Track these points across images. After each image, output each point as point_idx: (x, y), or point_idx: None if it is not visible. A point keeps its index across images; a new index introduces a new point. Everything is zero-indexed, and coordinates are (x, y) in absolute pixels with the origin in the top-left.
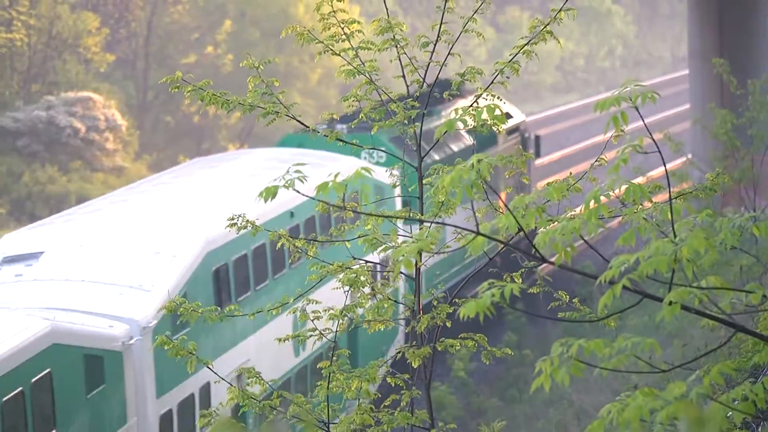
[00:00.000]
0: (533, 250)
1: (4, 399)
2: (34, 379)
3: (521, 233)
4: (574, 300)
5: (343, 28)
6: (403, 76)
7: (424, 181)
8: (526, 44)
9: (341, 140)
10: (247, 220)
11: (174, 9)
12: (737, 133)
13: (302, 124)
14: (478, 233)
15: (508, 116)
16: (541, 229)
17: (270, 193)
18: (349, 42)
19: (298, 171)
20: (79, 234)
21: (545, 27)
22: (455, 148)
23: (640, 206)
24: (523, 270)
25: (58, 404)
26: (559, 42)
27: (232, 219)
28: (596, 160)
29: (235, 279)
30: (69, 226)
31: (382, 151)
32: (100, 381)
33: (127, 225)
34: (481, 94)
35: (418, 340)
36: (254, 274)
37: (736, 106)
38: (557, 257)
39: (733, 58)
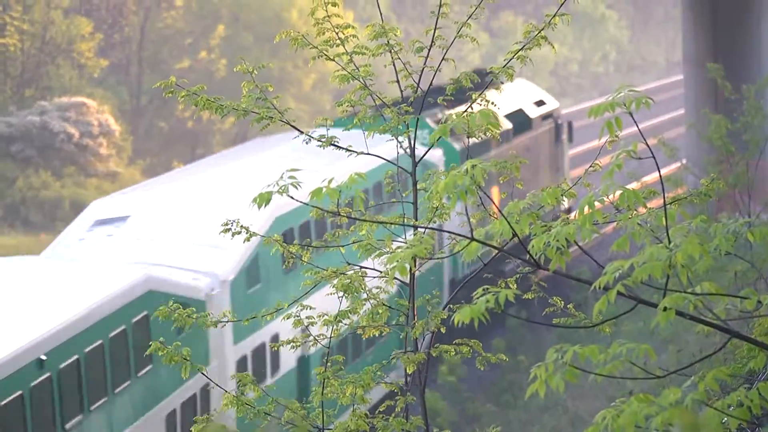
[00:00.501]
0: (528, 255)
1: (110, 335)
2: (134, 320)
3: (515, 239)
4: (568, 306)
5: (337, 33)
6: (398, 81)
7: (418, 186)
8: (520, 49)
9: (336, 146)
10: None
11: (167, 14)
12: (732, 138)
13: (296, 129)
14: (472, 239)
15: (542, 103)
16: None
17: (264, 200)
18: (344, 47)
19: (292, 177)
20: (161, 200)
21: (539, 32)
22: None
23: (635, 212)
24: (517, 276)
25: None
26: (553, 47)
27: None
28: (590, 166)
29: (300, 239)
30: (151, 194)
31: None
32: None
33: (203, 193)
34: (475, 99)
35: (413, 345)
36: (316, 236)
37: (731, 111)
38: (552, 263)
39: (727, 63)
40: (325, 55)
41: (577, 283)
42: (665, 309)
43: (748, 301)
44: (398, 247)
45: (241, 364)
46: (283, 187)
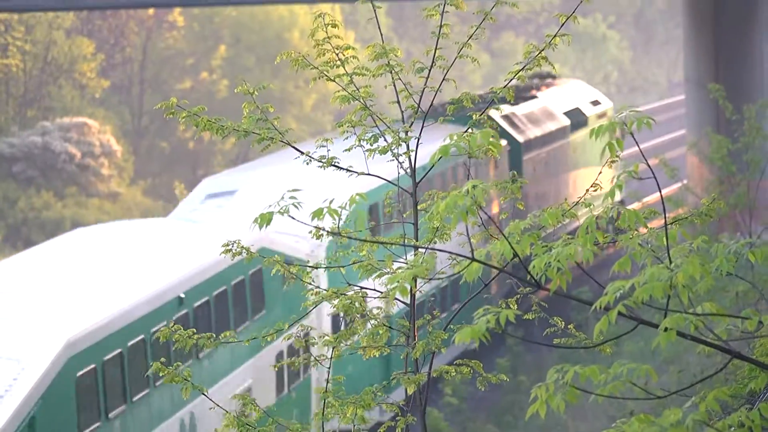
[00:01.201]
0: (528, 276)
1: (233, 283)
2: (250, 271)
3: (516, 259)
4: (569, 326)
5: (337, 54)
6: (398, 102)
7: (419, 207)
8: (520, 70)
9: (337, 166)
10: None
11: (169, 34)
12: (733, 159)
13: (297, 149)
14: (473, 259)
15: (597, 103)
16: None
17: (265, 220)
18: (344, 68)
19: (293, 197)
20: (268, 176)
21: (540, 52)
22: (552, 127)
23: (636, 232)
24: (518, 296)
25: (266, 291)
26: (554, 67)
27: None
28: (592, 186)
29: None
30: (258, 172)
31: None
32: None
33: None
34: (475, 121)
35: (413, 365)
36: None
37: (732, 131)
38: (552, 283)
39: (728, 83)
40: (326, 75)
41: (578, 304)
42: (666, 329)
43: (749, 321)
44: (399, 268)
45: (336, 320)
46: (284, 208)
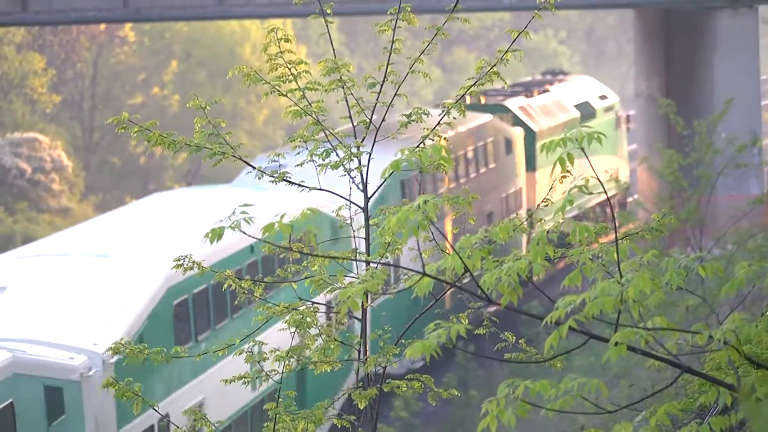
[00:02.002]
0: (479, 290)
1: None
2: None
3: (467, 274)
4: (520, 341)
5: (289, 69)
6: (350, 117)
7: (370, 222)
8: (472, 85)
9: (289, 181)
10: (194, 262)
11: (120, 50)
12: (684, 174)
13: (248, 164)
14: (424, 274)
15: (604, 97)
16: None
17: (216, 235)
18: (296, 82)
19: (244, 212)
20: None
21: (492, 68)
22: (563, 117)
23: (587, 246)
24: (469, 311)
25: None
26: (505, 83)
27: (179, 260)
28: (543, 201)
29: (196, 311)
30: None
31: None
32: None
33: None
34: (427, 135)
35: (365, 381)
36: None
37: (683, 146)
38: (503, 298)
39: (679, 99)
40: (278, 90)
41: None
42: (617, 344)
43: (699, 336)
44: (350, 283)
45: None
46: (235, 223)
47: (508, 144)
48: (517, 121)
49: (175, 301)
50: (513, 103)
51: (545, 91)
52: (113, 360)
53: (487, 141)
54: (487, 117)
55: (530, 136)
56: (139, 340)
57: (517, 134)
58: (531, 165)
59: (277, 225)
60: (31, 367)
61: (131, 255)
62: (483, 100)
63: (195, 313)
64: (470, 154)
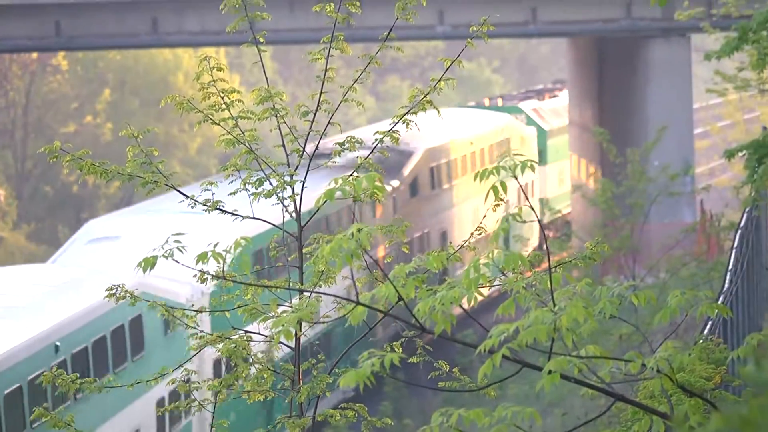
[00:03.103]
0: (413, 319)
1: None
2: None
3: (401, 302)
4: (454, 369)
5: (222, 98)
6: (283, 146)
7: (303, 250)
8: (405, 113)
9: (222, 210)
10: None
11: (53, 78)
12: (617, 202)
13: (181, 193)
14: (357, 303)
15: None
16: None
17: (149, 264)
18: (229, 111)
19: (177, 241)
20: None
21: (425, 96)
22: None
23: (520, 275)
24: (403, 339)
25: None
26: (438, 111)
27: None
28: (476, 230)
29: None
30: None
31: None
32: None
33: None
34: (361, 164)
35: (299, 410)
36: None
37: (616, 174)
38: (437, 326)
39: (612, 127)
40: (211, 119)
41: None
42: (550, 372)
43: (632, 364)
44: (283, 312)
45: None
46: (168, 252)
47: (524, 141)
48: (531, 122)
49: None
50: (527, 106)
51: (555, 96)
52: (209, 291)
53: (505, 138)
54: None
55: (542, 134)
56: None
57: (531, 133)
58: (543, 160)
59: (210, 254)
60: (153, 288)
61: None
62: (500, 103)
63: None
64: (493, 147)
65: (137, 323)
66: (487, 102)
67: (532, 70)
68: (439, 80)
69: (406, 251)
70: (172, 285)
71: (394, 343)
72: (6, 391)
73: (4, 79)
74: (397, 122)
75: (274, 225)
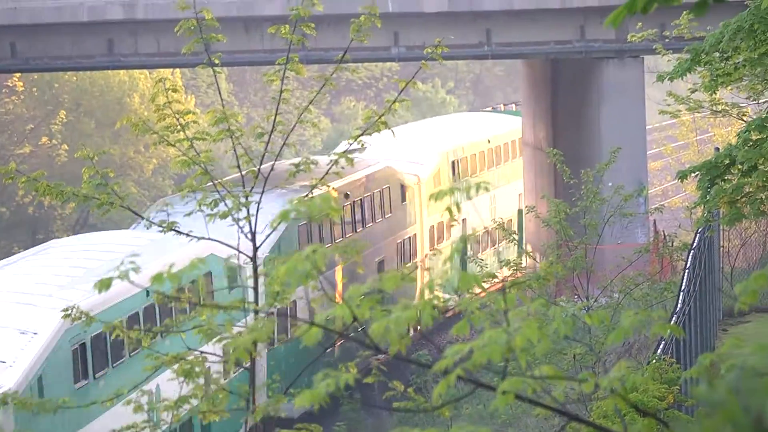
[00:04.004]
0: (368, 339)
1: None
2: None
3: (356, 323)
4: (408, 389)
5: (178, 119)
6: (238, 167)
7: (258, 271)
8: (360, 134)
9: (176, 231)
10: (81, 311)
11: (8, 99)
12: (570, 223)
13: (136, 214)
14: (312, 323)
15: None
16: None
17: (104, 285)
18: (184, 132)
19: (132, 262)
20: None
21: (380, 117)
22: None
23: (475, 295)
24: (358, 359)
25: None
26: (393, 132)
27: (66, 310)
28: (431, 251)
29: None
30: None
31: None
32: None
33: None
34: (316, 185)
35: (254, 430)
36: None
37: (570, 195)
38: (392, 347)
39: (566, 148)
40: (166, 140)
41: (419, 366)
42: (504, 392)
43: (586, 384)
44: (239, 332)
45: None
46: (123, 273)
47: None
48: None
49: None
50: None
51: None
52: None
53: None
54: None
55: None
56: None
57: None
58: None
59: (166, 275)
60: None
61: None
62: (503, 108)
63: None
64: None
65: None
66: (502, 107)
67: (486, 91)
68: (394, 101)
69: (361, 271)
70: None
71: (349, 363)
72: (127, 315)
73: None
74: (352, 143)
75: (229, 246)
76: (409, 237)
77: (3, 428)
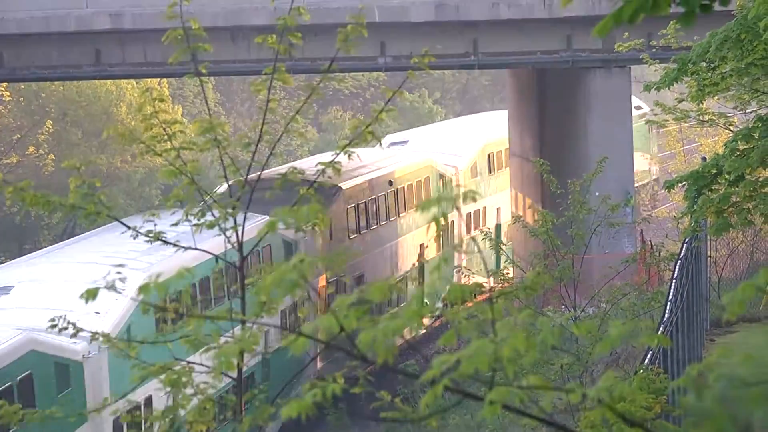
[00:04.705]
0: (355, 349)
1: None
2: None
3: (343, 333)
4: (396, 399)
5: (165, 129)
6: (225, 177)
7: (246, 281)
8: (347, 144)
9: (165, 241)
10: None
11: None
12: (557, 232)
13: (124, 224)
14: (299, 333)
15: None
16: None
17: (91, 295)
18: (171, 142)
19: (118, 272)
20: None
21: (367, 127)
22: None
23: (462, 306)
24: (345, 369)
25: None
26: (380, 142)
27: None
28: (418, 260)
29: None
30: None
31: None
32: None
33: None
34: (303, 194)
35: None
36: None
37: (557, 205)
38: (379, 357)
39: (552, 157)
40: (153, 150)
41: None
42: (492, 402)
43: (573, 394)
44: (226, 342)
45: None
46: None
47: None
48: None
49: None
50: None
51: None
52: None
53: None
54: None
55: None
56: None
57: None
58: None
59: (152, 284)
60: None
61: None
62: None
63: None
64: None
65: None
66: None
67: (473, 101)
68: (381, 111)
69: (348, 282)
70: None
71: (336, 373)
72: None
73: None
74: (339, 153)
75: (216, 256)
76: (447, 224)
77: (101, 368)
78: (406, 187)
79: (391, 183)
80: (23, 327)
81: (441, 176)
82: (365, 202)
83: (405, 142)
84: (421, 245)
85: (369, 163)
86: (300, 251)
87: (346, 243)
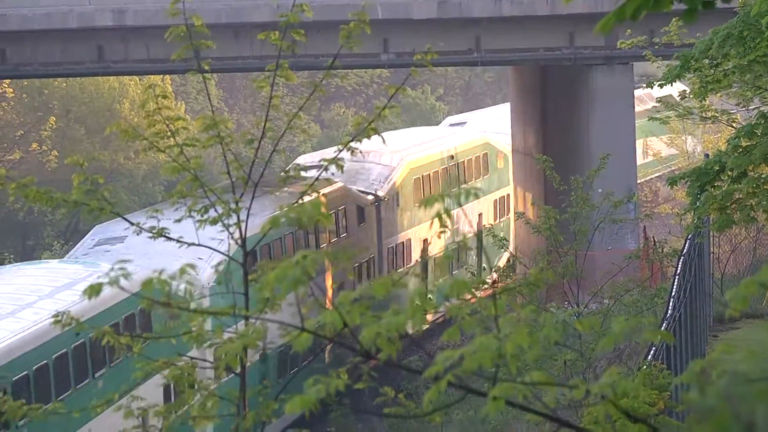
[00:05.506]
0: (359, 345)
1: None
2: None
3: (346, 329)
4: (399, 395)
5: (168, 125)
6: (228, 173)
7: (249, 277)
8: (350, 141)
9: (167, 237)
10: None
11: None
12: (560, 229)
13: (127, 220)
14: (303, 329)
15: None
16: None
17: (94, 291)
18: (174, 139)
19: (122, 268)
20: None
21: (369, 124)
22: None
23: (465, 301)
24: (348, 365)
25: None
26: (383, 139)
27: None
28: (422, 255)
29: None
30: None
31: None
32: None
33: None
34: (306, 191)
35: None
36: None
37: (560, 202)
38: (382, 353)
39: (555, 154)
40: (156, 147)
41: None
42: (495, 398)
43: (576, 390)
44: (229, 338)
45: None
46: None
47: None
48: None
49: None
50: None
51: None
52: None
53: None
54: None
55: None
56: None
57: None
58: None
59: (155, 281)
60: None
61: None
62: None
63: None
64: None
65: None
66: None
67: (476, 98)
68: (384, 108)
69: (351, 277)
70: None
71: (340, 369)
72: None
73: None
74: (342, 150)
75: (219, 252)
76: (504, 197)
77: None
78: (465, 162)
79: (452, 158)
80: None
81: (497, 153)
82: (429, 173)
83: (464, 123)
84: (480, 214)
85: (433, 140)
86: (372, 215)
87: (412, 210)
